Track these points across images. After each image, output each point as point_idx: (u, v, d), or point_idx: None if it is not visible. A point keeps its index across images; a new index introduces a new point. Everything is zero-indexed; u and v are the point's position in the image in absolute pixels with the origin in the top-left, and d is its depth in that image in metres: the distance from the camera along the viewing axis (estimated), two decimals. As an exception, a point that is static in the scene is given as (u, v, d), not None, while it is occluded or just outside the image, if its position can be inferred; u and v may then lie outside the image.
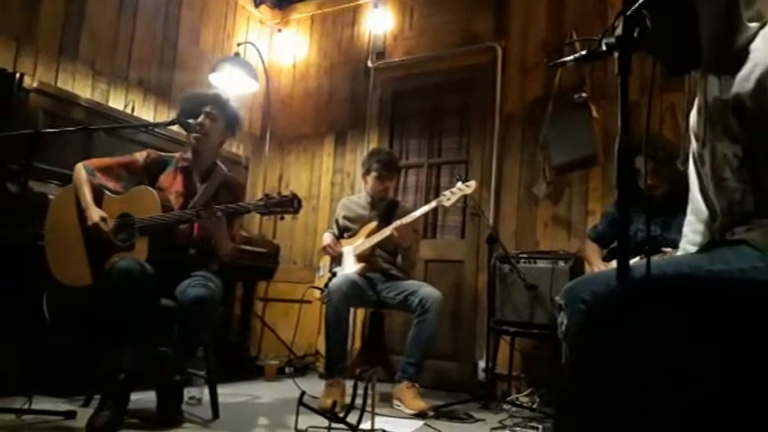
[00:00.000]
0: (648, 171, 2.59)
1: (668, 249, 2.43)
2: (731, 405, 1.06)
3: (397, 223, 2.99)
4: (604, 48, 1.08)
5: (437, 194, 3.60)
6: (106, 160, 2.50)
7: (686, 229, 1.49)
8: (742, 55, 1.20)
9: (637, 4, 1.02)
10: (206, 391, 2.54)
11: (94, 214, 2.30)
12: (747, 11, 1.20)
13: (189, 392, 2.62)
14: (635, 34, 1.02)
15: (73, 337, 2.57)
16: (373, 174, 3.27)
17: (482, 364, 3.41)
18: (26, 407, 2.08)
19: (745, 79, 1.19)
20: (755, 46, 1.20)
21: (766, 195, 1.21)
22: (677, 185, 1.57)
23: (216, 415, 2.45)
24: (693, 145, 1.40)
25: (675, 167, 2.58)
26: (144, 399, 2.32)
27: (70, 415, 2.13)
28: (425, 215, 3.24)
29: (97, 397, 2.23)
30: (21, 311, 2.45)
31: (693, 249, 1.45)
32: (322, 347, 3.28)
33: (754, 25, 1.21)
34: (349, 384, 2.51)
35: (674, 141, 2.96)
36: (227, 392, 2.95)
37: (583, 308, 1.20)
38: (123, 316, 2.16)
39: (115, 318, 2.18)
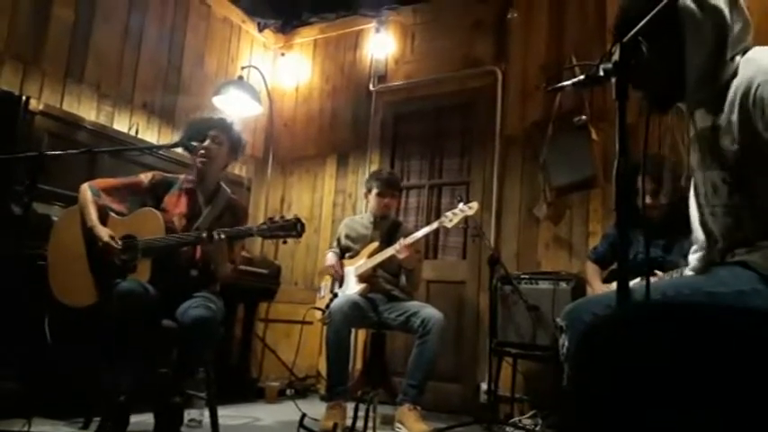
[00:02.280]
0: (650, 191, 2.60)
1: (660, 273, 2.43)
2: (730, 426, 1.06)
3: (401, 242, 3.00)
4: (602, 73, 1.10)
5: (438, 215, 3.61)
6: (111, 181, 2.53)
7: (690, 257, 1.51)
8: (725, 84, 1.24)
9: (633, 32, 1.05)
10: (206, 413, 2.53)
11: (103, 233, 2.32)
12: (734, 50, 1.24)
13: (189, 414, 2.60)
14: (632, 61, 1.04)
15: (73, 358, 2.56)
16: (374, 191, 3.30)
17: (484, 386, 3.39)
18: (26, 429, 2.07)
19: (729, 103, 1.22)
20: (739, 71, 1.23)
21: (761, 217, 1.23)
22: (678, 206, 1.58)
23: (216, 437, 2.44)
24: (693, 177, 1.43)
25: (678, 187, 2.57)
26: (144, 421, 2.31)
27: (70, 437, 2.12)
28: (427, 236, 3.24)
29: (97, 419, 2.22)
30: (21, 333, 2.45)
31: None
32: (323, 369, 3.26)
33: (736, 61, 1.25)
34: (350, 406, 2.49)
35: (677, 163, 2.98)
36: (227, 414, 2.93)
37: (584, 329, 1.20)
38: (124, 337, 2.16)
39: (116, 339, 2.17)
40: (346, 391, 2.94)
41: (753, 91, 1.17)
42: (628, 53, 1.06)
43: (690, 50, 1.23)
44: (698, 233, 1.45)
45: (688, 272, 1.50)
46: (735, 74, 1.24)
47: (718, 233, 1.33)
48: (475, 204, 3.03)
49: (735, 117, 1.20)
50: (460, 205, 3.02)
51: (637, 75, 1.06)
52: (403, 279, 3.26)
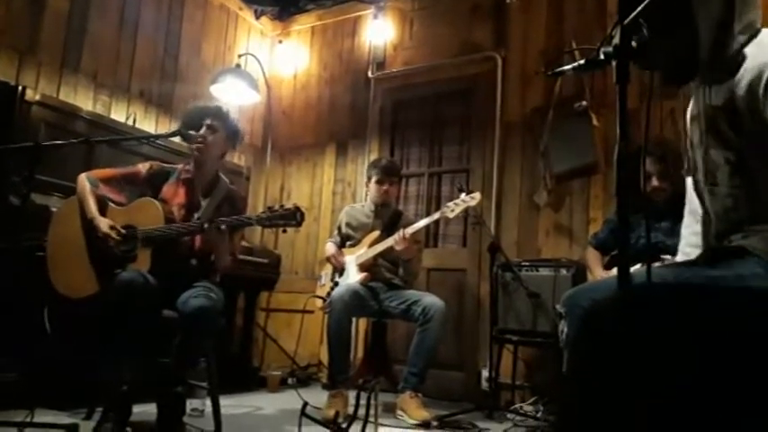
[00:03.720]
0: (656, 173, 2.58)
1: (667, 257, 2.42)
2: (727, 409, 1.06)
3: (400, 232, 2.98)
4: (602, 57, 1.09)
5: (438, 204, 3.61)
6: (109, 171, 2.51)
7: (684, 231, 1.50)
8: (733, 63, 1.22)
9: (633, 14, 1.03)
10: (208, 402, 2.53)
11: (103, 225, 2.31)
12: (739, 23, 1.22)
13: (191, 404, 2.61)
14: (633, 43, 1.02)
15: (74, 349, 2.56)
16: (374, 179, 3.29)
17: (485, 373, 3.40)
18: (28, 420, 2.07)
19: (736, 85, 1.21)
20: (747, 53, 1.22)
21: (760, 201, 1.22)
22: (683, 188, 1.59)
23: (218, 427, 2.44)
24: (689, 152, 1.41)
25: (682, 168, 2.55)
26: (146, 411, 2.31)
27: (72, 428, 2.11)
28: (427, 225, 3.23)
29: (99, 409, 2.22)
30: (22, 324, 2.45)
31: (690, 251, 1.45)
32: (325, 358, 3.27)
33: (743, 37, 1.23)
34: (352, 395, 2.50)
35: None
36: (229, 404, 2.94)
37: (582, 315, 1.20)
38: (124, 327, 2.16)
39: (117, 329, 2.17)
40: (348, 379, 2.95)
41: (765, 78, 1.16)
42: (628, 35, 1.04)
43: (699, 22, 1.21)
44: (695, 206, 1.44)
45: (681, 247, 1.49)
46: (742, 50, 1.22)
47: (714, 213, 1.32)
48: (477, 195, 3.00)
49: (743, 100, 1.19)
50: (462, 195, 3.00)
51: (648, 54, 1.04)
52: (401, 268, 3.25)
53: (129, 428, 2.11)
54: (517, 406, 3.16)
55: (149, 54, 3.93)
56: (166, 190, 2.52)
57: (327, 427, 2.16)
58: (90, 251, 2.36)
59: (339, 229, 3.43)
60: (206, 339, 2.33)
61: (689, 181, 1.46)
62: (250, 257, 3.65)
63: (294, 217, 2.25)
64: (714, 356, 1.10)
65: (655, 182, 2.59)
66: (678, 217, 2.49)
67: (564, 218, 3.54)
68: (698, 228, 1.45)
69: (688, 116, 1.38)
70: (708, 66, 1.25)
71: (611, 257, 2.86)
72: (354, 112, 4.52)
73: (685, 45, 1.24)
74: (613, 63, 1.06)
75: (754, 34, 1.24)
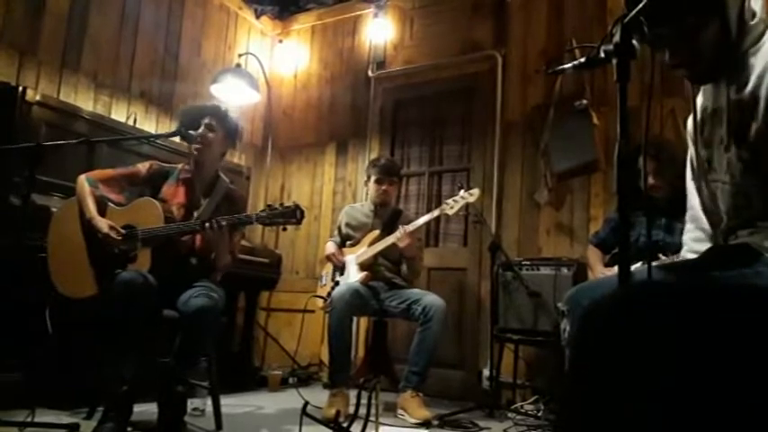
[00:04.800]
0: (650, 171, 2.58)
1: (664, 257, 2.42)
2: (726, 406, 1.06)
3: (401, 229, 2.99)
4: (603, 55, 1.08)
5: (439, 203, 3.60)
6: (109, 171, 2.51)
7: (686, 237, 1.48)
8: (749, 57, 1.20)
9: (634, 11, 1.03)
10: (209, 402, 2.54)
11: (103, 225, 2.30)
12: (746, 12, 1.21)
13: (192, 403, 2.61)
14: (633, 41, 1.02)
15: (75, 349, 2.56)
16: (372, 179, 3.29)
17: (486, 372, 3.40)
18: (29, 420, 2.07)
19: (758, 78, 1.18)
20: (764, 46, 1.19)
21: None
22: (680, 187, 1.57)
23: (219, 426, 2.44)
24: (693, 150, 1.39)
25: (678, 168, 2.55)
26: (147, 410, 2.31)
27: (73, 427, 2.11)
28: (428, 223, 3.23)
29: (100, 409, 2.23)
30: (23, 324, 2.45)
31: (692, 257, 1.44)
32: (325, 357, 3.27)
33: (759, 26, 1.20)
34: (353, 394, 2.50)
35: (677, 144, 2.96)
36: (230, 403, 2.94)
37: (582, 313, 1.20)
38: (125, 327, 2.16)
39: (117, 329, 2.17)
40: (348, 378, 2.95)
41: None
42: (629, 34, 1.04)
43: (729, 10, 1.18)
44: (698, 212, 1.42)
45: (684, 253, 1.48)
46: (761, 39, 1.19)
47: (724, 211, 1.30)
48: (476, 191, 3.02)
49: (763, 93, 1.17)
50: (461, 192, 3.01)
51: (674, 53, 1.03)
52: (404, 267, 3.25)
53: (129, 428, 2.11)
54: (518, 405, 3.16)
55: (149, 54, 3.93)
56: (166, 189, 2.52)
57: (328, 427, 2.16)
58: (90, 252, 2.36)
59: (339, 229, 3.42)
60: (207, 339, 2.33)
61: (690, 186, 1.44)
62: (251, 257, 3.65)
63: (294, 214, 2.25)
64: (715, 355, 1.10)
65: (650, 180, 2.59)
66: (678, 215, 2.50)
67: (564, 216, 3.54)
68: (699, 234, 1.43)
69: (699, 113, 1.35)
70: (722, 59, 1.23)
71: (612, 256, 2.86)
72: (355, 111, 4.51)
73: (715, 36, 1.20)
74: (614, 61, 1.05)
75: (766, 26, 1.21)
